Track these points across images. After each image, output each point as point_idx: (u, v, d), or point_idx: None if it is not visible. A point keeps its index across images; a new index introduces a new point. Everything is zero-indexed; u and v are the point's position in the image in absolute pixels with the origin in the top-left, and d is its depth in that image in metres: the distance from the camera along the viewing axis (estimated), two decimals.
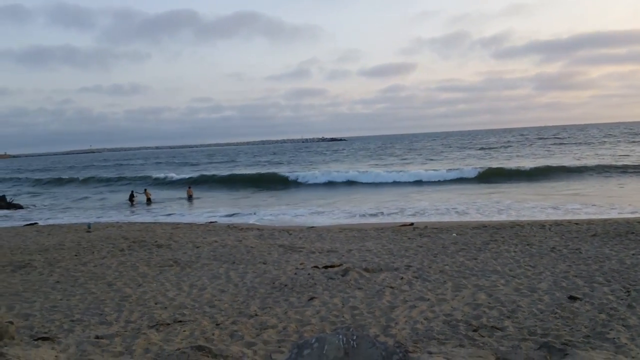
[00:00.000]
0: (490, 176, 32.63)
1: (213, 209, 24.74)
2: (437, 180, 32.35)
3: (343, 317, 7.18)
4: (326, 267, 10.21)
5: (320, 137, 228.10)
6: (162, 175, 48.10)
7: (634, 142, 64.95)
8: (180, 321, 7.18)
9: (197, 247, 13.13)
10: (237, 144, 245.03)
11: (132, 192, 30.78)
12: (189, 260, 11.50)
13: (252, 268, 10.53)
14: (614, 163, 35.84)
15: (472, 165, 42.27)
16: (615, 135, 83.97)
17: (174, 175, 47.28)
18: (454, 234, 13.65)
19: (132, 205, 28.59)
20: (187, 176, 45.02)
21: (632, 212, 17.35)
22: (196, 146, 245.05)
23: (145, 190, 31.26)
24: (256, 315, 7.40)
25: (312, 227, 16.92)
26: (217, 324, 7.05)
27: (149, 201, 29.28)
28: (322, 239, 14.08)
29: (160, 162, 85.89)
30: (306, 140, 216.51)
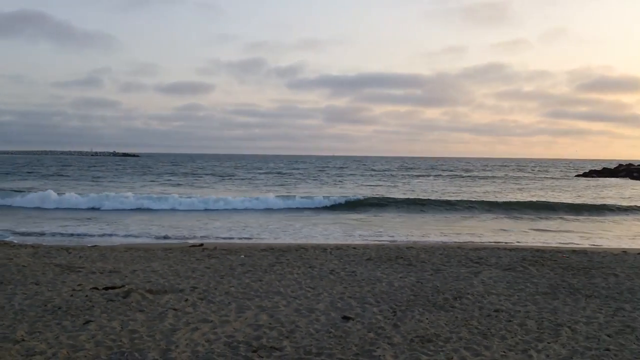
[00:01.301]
0: (285, 200, 33.01)
1: None
2: (230, 208, 31.24)
3: (121, 341, 6.87)
4: (106, 288, 9.69)
5: (112, 151, 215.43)
6: None
7: (408, 175, 72.56)
8: None
9: None
10: (15, 152, 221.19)
11: None
12: None
13: (22, 289, 9.60)
14: (388, 195, 39.31)
15: (265, 189, 43.33)
16: (392, 170, 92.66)
17: None
18: (242, 256, 13.84)
19: None
20: None
21: (403, 238, 19.18)
22: None
23: None
24: (23, 340, 6.76)
25: (95, 245, 15.96)
26: None
27: None
28: (105, 258, 13.34)
29: None
30: (96, 154, 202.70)
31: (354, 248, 15.63)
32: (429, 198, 36.37)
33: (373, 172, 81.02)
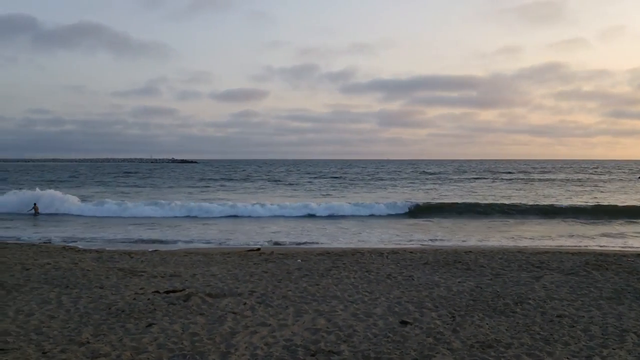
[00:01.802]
0: (341, 205, 32.74)
1: (56, 228, 23.21)
2: (285, 213, 30.84)
3: (182, 344, 7.02)
4: (168, 292, 9.93)
5: (171, 158, 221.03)
6: None
7: (464, 178, 71.47)
8: (3, 349, 6.59)
9: (27, 270, 12.14)
10: (77, 160, 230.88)
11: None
12: (16, 284, 10.58)
13: (87, 293, 9.95)
14: (444, 199, 38.79)
15: (320, 194, 43.44)
16: (448, 173, 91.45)
17: None
18: (298, 260, 13.92)
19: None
20: None
21: (461, 243, 18.88)
22: (33, 160, 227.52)
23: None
24: (88, 342, 7.00)
25: (156, 250, 16.39)
26: (43, 352, 6.57)
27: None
28: (166, 262, 13.68)
29: None
30: (156, 161, 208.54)
31: (411, 252, 15.48)
32: (487, 202, 35.67)
33: (428, 176, 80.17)
